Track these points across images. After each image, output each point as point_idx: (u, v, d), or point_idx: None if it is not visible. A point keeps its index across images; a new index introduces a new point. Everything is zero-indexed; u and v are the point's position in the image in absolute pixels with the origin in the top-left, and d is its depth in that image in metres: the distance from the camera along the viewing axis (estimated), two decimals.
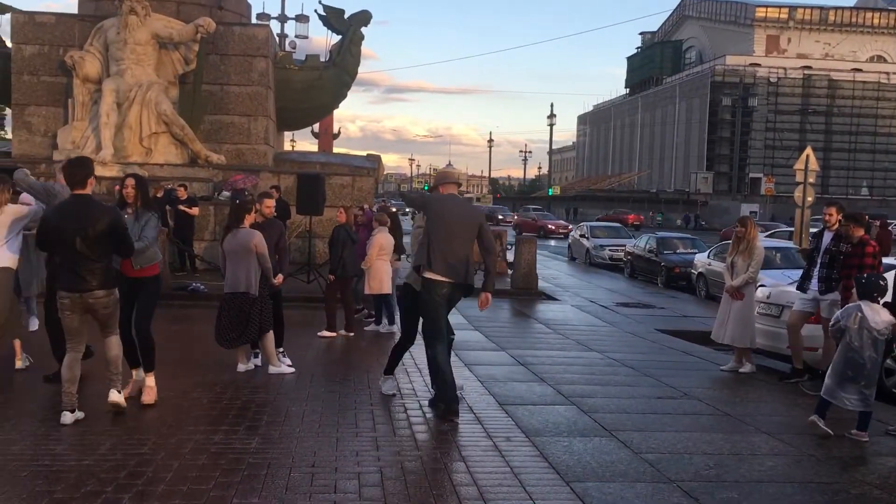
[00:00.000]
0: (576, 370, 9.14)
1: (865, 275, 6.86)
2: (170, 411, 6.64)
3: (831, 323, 6.78)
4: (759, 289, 9.97)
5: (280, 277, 8.57)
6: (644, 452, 5.95)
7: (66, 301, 6.31)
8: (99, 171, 17.10)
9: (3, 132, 40.17)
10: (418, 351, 9.17)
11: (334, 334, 10.60)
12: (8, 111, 21.96)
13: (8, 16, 19.05)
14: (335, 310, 10.75)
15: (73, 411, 6.19)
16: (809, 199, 21.94)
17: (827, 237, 8.69)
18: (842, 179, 73.10)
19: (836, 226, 8.65)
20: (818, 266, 8.58)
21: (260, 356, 8.50)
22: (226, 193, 17.45)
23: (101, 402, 6.43)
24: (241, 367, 8.22)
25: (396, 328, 10.02)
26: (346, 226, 11.16)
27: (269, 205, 8.81)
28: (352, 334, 10.73)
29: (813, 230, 13.61)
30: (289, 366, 8.41)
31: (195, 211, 16.16)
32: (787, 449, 6.25)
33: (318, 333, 10.52)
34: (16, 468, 5.14)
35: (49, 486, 4.85)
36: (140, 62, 17.89)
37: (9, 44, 18.97)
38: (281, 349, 8.66)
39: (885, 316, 6.51)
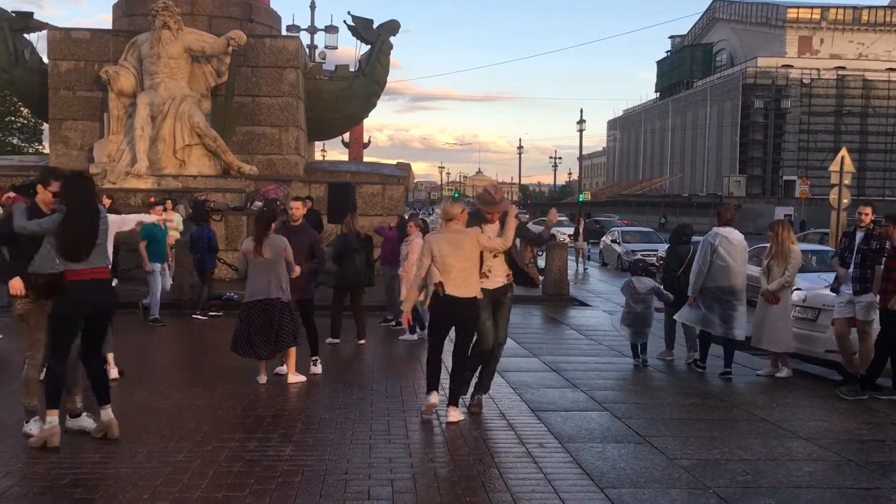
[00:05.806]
0: (608, 376, 9.08)
1: (634, 258, 10.94)
2: (205, 420, 6.71)
3: (621, 287, 9.99)
4: (795, 292, 9.84)
5: (297, 269, 8.22)
6: (679, 458, 5.90)
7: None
8: (134, 183, 17.59)
9: (41, 146, 40.92)
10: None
11: (337, 340, 10.58)
12: (45, 126, 22.37)
13: (44, 33, 19.46)
14: (339, 317, 10.71)
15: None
16: (845, 201, 21.60)
17: (859, 236, 8.52)
18: (878, 181, 71.67)
19: (869, 225, 8.55)
20: (851, 267, 8.41)
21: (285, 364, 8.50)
22: (258, 203, 17.62)
23: (137, 411, 6.51)
24: (262, 379, 8.10)
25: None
26: (347, 235, 11.08)
27: (295, 206, 8.88)
28: (362, 342, 10.70)
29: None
30: (313, 374, 8.55)
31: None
32: (825, 454, 6.16)
33: (326, 340, 10.47)
34: (55, 476, 5.23)
35: (88, 493, 4.93)
36: (173, 76, 18.17)
37: (45, 60, 19.38)
38: (315, 357, 8.72)
39: (649, 282, 9.78)
